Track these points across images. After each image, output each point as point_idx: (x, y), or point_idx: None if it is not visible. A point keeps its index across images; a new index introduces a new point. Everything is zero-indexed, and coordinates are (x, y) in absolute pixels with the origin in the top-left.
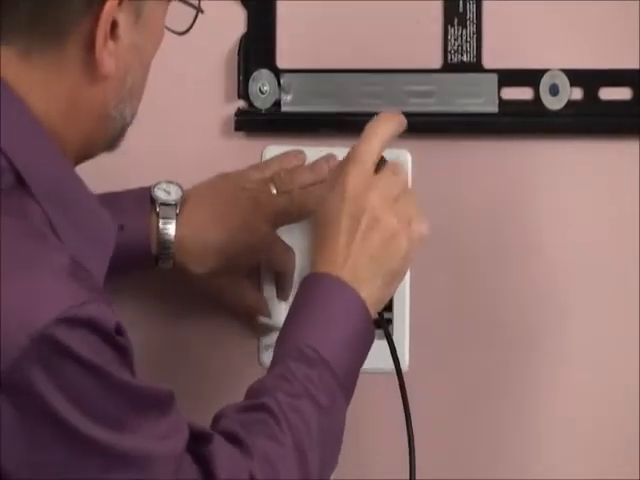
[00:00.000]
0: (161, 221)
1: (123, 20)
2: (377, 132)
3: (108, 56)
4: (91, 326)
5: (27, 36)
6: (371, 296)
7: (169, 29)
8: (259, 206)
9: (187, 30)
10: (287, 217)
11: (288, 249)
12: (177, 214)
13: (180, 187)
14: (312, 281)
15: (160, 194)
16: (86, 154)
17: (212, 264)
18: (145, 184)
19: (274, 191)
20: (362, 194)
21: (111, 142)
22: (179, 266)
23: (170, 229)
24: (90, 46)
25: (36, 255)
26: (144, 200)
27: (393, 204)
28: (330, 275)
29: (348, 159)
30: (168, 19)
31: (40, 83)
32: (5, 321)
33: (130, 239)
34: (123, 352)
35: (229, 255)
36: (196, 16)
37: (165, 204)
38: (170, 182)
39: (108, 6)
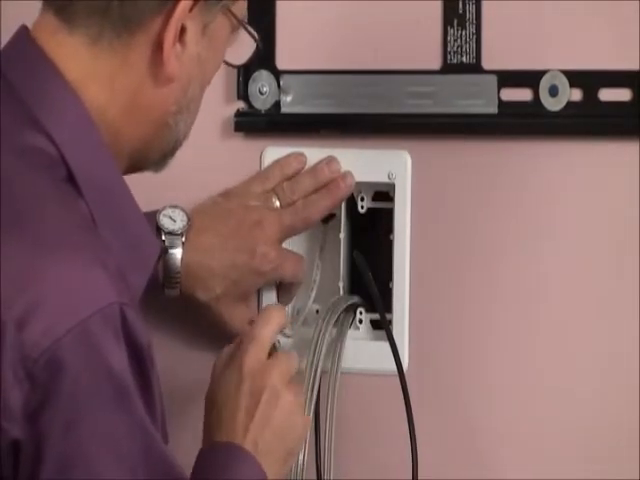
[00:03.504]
0: (167, 250)
1: (191, 28)
2: (273, 319)
3: (175, 58)
4: (126, 334)
5: (100, 23)
6: (270, 470)
7: (226, 62)
8: (264, 229)
9: (245, 63)
10: (293, 231)
11: (298, 261)
12: (183, 243)
13: (185, 212)
14: (214, 451)
15: (165, 222)
16: (138, 161)
17: (218, 289)
18: (145, 185)
19: (277, 203)
20: (260, 372)
21: (162, 156)
22: (186, 293)
23: (177, 257)
24: (158, 46)
25: (89, 244)
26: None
27: (289, 382)
28: (233, 443)
29: (246, 339)
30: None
31: (105, 74)
32: (51, 307)
33: None
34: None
35: (235, 280)
36: (256, 49)
37: (171, 233)
38: (175, 207)
39: (181, 7)
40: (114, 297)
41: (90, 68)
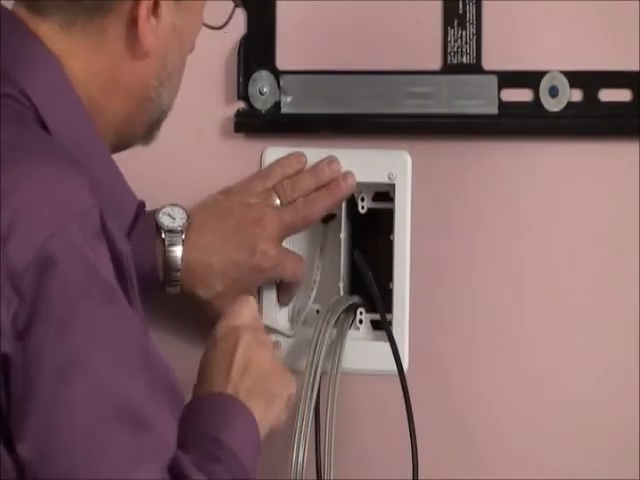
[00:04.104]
0: (167, 248)
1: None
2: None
3: (150, 32)
4: (107, 237)
5: (70, 9)
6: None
7: (205, 24)
8: (265, 226)
9: (224, 24)
10: (293, 229)
11: (298, 260)
12: (183, 240)
13: (184, 209)
14: (216, 400)
15: (165, 220)
16: (125, 137)
17: (219, 287)
18: (145, 185)
19: (277, 201)
20: (230, 333)
21: (148, 129)
22: (186, 291)
23: (177, 255)
24: (132, 22)
25: (66, 158)
26: (149, 226)
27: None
28: (233, 397)
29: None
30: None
31: (81, 55)
32: (33, 214)
33: (137, 267)
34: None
35: (236, 277)
36: (233, 10)
37: (171, 231)
38: (174, 205)
39: None
40: (93, 201)
41: (66, 51)
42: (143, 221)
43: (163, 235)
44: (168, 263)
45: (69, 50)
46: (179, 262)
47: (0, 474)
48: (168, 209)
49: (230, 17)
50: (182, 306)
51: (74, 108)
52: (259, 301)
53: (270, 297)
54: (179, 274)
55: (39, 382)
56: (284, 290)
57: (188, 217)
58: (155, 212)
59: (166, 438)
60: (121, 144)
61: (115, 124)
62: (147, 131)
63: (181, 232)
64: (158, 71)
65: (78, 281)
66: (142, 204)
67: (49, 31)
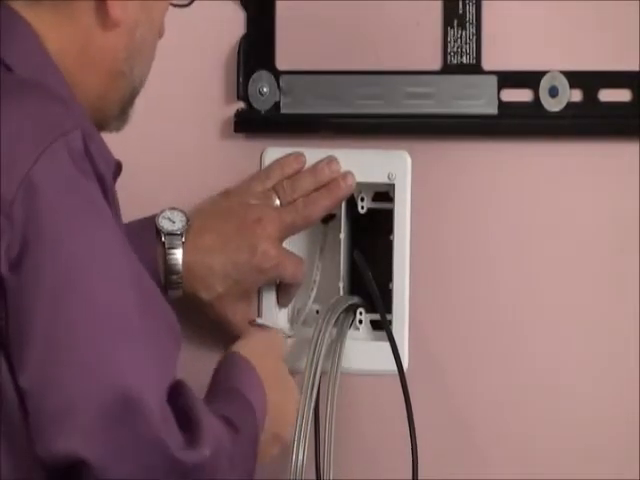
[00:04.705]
0: (168, 251)
1: None
2: None
3: (118, 4)
4: (90, 158)
5: None
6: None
7: (172, 4)
8: (265, 227)
9: (190, 2)
10: (293, 229)
11: (298, 262)
12: (183, 243)
13: (184, 213)
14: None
15: (165, 224)
16: (99, 116)
17: (220, 288)
18: (145, 185)
19: (277, 202)
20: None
21: (122, 107)
22: (188, 293)
23: (177, 258)
24: None
25: (53, 91)
26: (149, 231)
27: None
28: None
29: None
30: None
31: (52, 30)
32: (18, 139)
33: None
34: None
35: (237, 278)
36: None
37: (171, 234)
38: (174, 209)
39: None
40: (76, 123)
41: (37, 24)
42: (143, 225)
43: (163, 238)
44: (169, 266)
45: (40, 26)
46: (180, 265)
47: (5, 410)
48: (168, 213)
49: None
50: (184, 309)
51: (48, 68)
52: (259, 301)
53: (270, 297)
54: (180, 277)
55: (34, 309)
56: (283, 291)
57: (188, 220)
58: (155, 217)
59: (164, 353)
60: (95, 125)
61: (90, 102)
62: (120, 111)
63: (181, 235)
64: (128, 43)
65: (65, 202)
66: (119, 164)
67: (19, 9)
